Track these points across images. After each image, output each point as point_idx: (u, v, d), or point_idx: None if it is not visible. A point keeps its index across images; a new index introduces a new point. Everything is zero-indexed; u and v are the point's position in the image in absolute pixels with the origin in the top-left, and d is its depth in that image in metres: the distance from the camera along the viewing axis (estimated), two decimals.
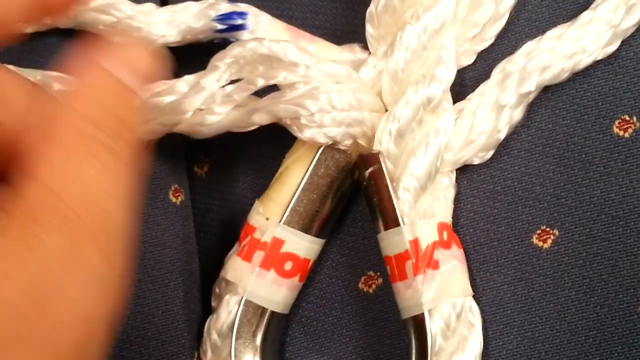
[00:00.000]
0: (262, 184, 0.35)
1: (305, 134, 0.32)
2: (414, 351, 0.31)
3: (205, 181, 0.36)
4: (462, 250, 0.33)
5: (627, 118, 0.33)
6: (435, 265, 0.31)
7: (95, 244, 0.22)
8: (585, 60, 0.32)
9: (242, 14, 0.34)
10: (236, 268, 0.33)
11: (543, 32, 0.33)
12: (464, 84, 0.34)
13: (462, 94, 0.34)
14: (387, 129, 0.32)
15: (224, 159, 0.36)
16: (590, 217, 0.33)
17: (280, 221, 0.32)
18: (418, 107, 0.32)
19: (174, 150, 0.35)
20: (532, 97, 0.33)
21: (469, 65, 0.34)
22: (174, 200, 0.34)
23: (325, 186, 0.33)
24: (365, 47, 0.34)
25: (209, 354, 0.33)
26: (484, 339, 0.32)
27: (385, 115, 0.33)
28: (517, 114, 0.33)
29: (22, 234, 0.21)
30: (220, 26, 0.34)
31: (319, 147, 0.33)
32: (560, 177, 0.33)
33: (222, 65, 0.32)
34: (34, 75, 0.32)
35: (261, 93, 0.32)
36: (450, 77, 0.32)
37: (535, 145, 0.34)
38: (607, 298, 0.33)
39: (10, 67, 0.31)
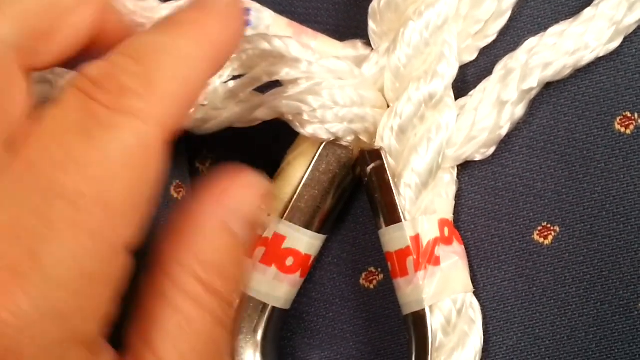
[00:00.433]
0: None
1: (308, 130, 0.32)
2: (414, 347, 0.31)
3: (207, 177, 0.36)
4: (463, 247, 0.33)
5: (629, 115, 0.33)
6: (436, 262, 0.31)
7: None
8: (587, 57, 0.32)
9: (244, 10, 0.34)
10: None
11: (545, 28, 0.33)
12: (466, 81, 0.34)
13: (464, 91, 0.34)
14: (389, 125, 0.32)
15: (226, 155, 0.36)
16: (591, 213, 0.33)
17: (281, 217, 0.33)
18: (420, 103, 0.32)
19: (176, 145, 0.35)
20: (534, 93, 0.33)
21: (471, 62, 0.34)
22: (175, 195, 0.34)
23: (327, 182, 0.33)
24: (368, 43, 0.34)
25: None
26: (484, 335, 0.32)
27: (387, 112, 0.33)
28: (519, 111, 0.33)
29: None
30: None
31: (321, 143, 0.33)
32: (562, 174, 0.33)
33: None
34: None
35: (264, 89, 0.32)
36: (452, 73, 0.32)
37: (537, 141, 0.34)
38: (608, 294, 0.33)
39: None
